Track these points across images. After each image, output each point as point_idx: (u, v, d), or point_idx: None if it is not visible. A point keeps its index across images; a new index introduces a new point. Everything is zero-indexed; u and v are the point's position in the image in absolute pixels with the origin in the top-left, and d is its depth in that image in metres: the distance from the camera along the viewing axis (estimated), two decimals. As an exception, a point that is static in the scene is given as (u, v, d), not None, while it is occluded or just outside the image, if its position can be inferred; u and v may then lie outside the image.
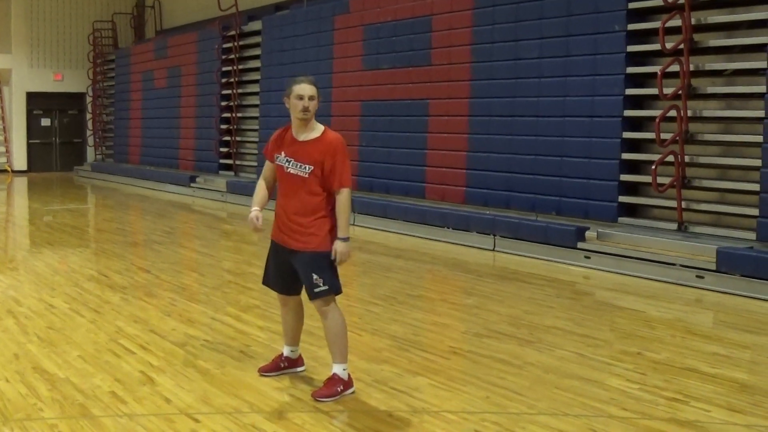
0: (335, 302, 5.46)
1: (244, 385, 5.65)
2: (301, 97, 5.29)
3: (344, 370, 5.44)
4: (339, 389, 5.36)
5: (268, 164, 5.58)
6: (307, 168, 5.30)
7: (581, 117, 11.57)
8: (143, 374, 5.91)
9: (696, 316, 8.43)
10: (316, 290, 5.35)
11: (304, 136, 5.37)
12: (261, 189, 5.62)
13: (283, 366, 5.85)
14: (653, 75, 10.64)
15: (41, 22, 27.68)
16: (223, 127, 20.44)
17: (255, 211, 5.45)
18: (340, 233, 5.33)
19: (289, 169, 5.35)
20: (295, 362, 5.89)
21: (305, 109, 5.28)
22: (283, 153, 5.38)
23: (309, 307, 5.67)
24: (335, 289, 5.42)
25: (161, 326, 7.30)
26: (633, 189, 11.20)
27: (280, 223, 5.46)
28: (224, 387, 5.62)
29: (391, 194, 14.50)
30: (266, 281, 5.74)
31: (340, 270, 5.52)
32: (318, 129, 5.40)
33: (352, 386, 5.47)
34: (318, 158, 5.29)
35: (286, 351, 5.88)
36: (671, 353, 6.63)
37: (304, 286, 5.47)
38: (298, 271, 5.42)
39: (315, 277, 5.34)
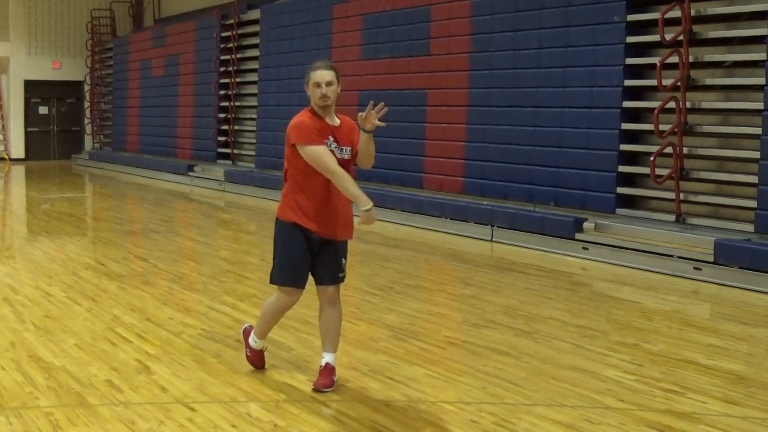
0: None
1: (241, 374, 5.65)
2: (318, 85, 5.17)
3: (335, 359, 5.45)
4: (335, 378, 5.37)
5: (327, 150, 5.16)
6: (349, 150, 5.26)
7: (580, 108, 11.54)
8: (139, 363, 5.90)
9: (693, 307, 8.44)
10: (341, 275, 5.37)
11: (335, 121, 5.28)
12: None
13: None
14: (652, 66, 10.61)
15: (39, 10, 27.60)
16: (221, 116, 20.40)
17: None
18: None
19: (336, 155, 5.19)
20: None
21: (324, 96, 5.16)
22: (331, 137, 5.20)
23: (307, 296, 5.65)
24: (345, 274, 5.47)
25: (158, 315, 7.29)
26: (631, 180, 11.19)
27: (323, 213, 5.25)
28: (220, 376, 5.62)
29: (389, 184, 14.47)
30: (291, 280, 5.35)
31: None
32: (335, 114, 5.33)
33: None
34: (355, 140, 5.25)
35: (263, 345, 5.74)
36: (668, 345, 6.64)
37: (322, 272, 5.33)
38: (325, 256, 5.30)
39: (343, 262, 5.37)
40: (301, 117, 5.26)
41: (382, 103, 5.12)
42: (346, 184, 5.12)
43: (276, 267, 5.40)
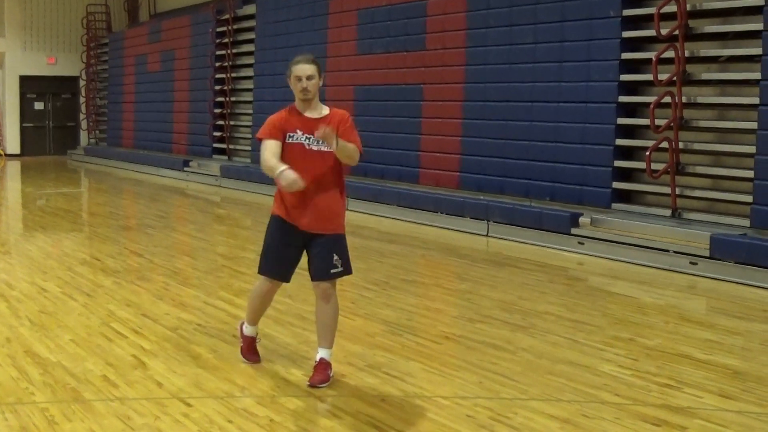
0: None
1: (237, 370, 5.64)
2: (299, 79, 5.25)
3: (330, 354, 5.45)
4: (330, 373, 5.37)
5: (273, 142, 5.23)
6: None
7: (576, 103, 11.54)
8: (135, 358, 5.90)
9: (689, 302, 8.44)
10: (333, 271, 5.31)
11: (315, 114, 5.31)
12: (277, 155, 5.21)
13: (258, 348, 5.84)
14: (648, 61, 10.62)
15: (35, 6, 27.51)
16: (217, 111, 20.37)
17: (289, 169, 5.02)
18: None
19: (311, 146, 5.23)
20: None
21: (304, 90, 5.25)
22: (299, 131, 5.25)
23: (303, 291, 5.65)
24: (349, 270, 5.41)
25: (154, 310, 7.28)
26: (627, 175, 11.19)
27: (299, 206, 5.28)
28: (216, 371, 5.61)
29: (385, 179, 14.48)
30: (266, 270, 5.49)
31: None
32: (325, 108, 5.38)
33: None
34: (338, 132, 5.20)
35: (254, 331, 5.79)
36: (664, 339, 6.64)
37: (314, 267, 5.34)
38: (315, 251, 5.31)
39: (335, 257, 5.30)
40: (275, 114, 5.39)
41: (323, 126, 5.01)
42: (267, 163, 5.18)
43: (260, 256, 5.53)
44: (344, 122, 5.30)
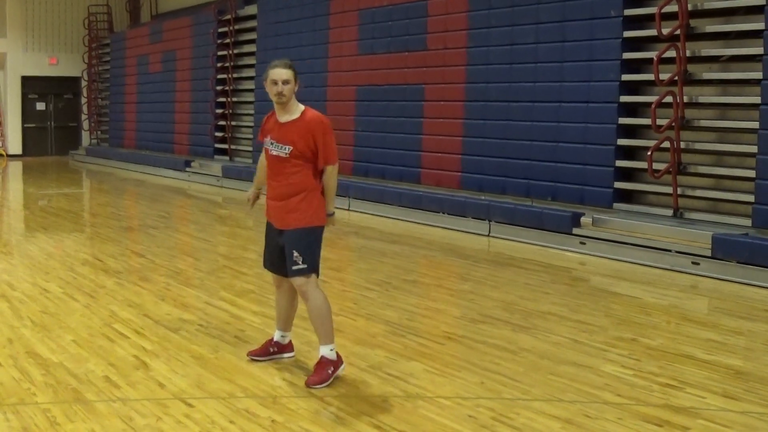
0: (316, 283, 5.46)
1: (238, 370, 5.64)
2: (275, 82, 5.37)
3: (331, 350, 5.44)
4: (330, 371, 5.37)
5: (263, 153, 5.73)
6: (287, 149, 5.37)
7: (577, 102, 11.54)
8: (137, 359, 5.89)
9: (691, 302, 8.43)
10: (294, 267, 5.39)
11: (285, 118, 5.46)
12: (260, 170, 5.85)
13: (272, 351, 5.84)
14: (649, 60, 10.61)
15: (36, 6, 27.53)
16: (219, 111, 20.38)
17: (252, 191, 5.91)
18: (328, 208, 5.53)
19: (272, 152, 5.47)
20: (284, 348, 5.87)
21: (279, 94, 5.36)
22: (269, 137, 5.50)
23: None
24: (313, 268, 5.43)
25: (155, 311, 7.28)
26: (628, 175, 11.19)
27: (270, 204, 5.57)
28: (218, 372, 5.61)
29: (386, 179, 14.48)
30: (264, 263, 5.82)
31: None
32: (298, 110, 5.45)
33: (342, 364, 5.49)
34: (296, 138, 5.35)
35: (276, 336, 5.87)
36: (666, 339, 6.64)
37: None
38: (285, 249, 5.45)
39: (295, 254, 5.38)
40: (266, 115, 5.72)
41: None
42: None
43: None
44: (314, 133, 5.36)
